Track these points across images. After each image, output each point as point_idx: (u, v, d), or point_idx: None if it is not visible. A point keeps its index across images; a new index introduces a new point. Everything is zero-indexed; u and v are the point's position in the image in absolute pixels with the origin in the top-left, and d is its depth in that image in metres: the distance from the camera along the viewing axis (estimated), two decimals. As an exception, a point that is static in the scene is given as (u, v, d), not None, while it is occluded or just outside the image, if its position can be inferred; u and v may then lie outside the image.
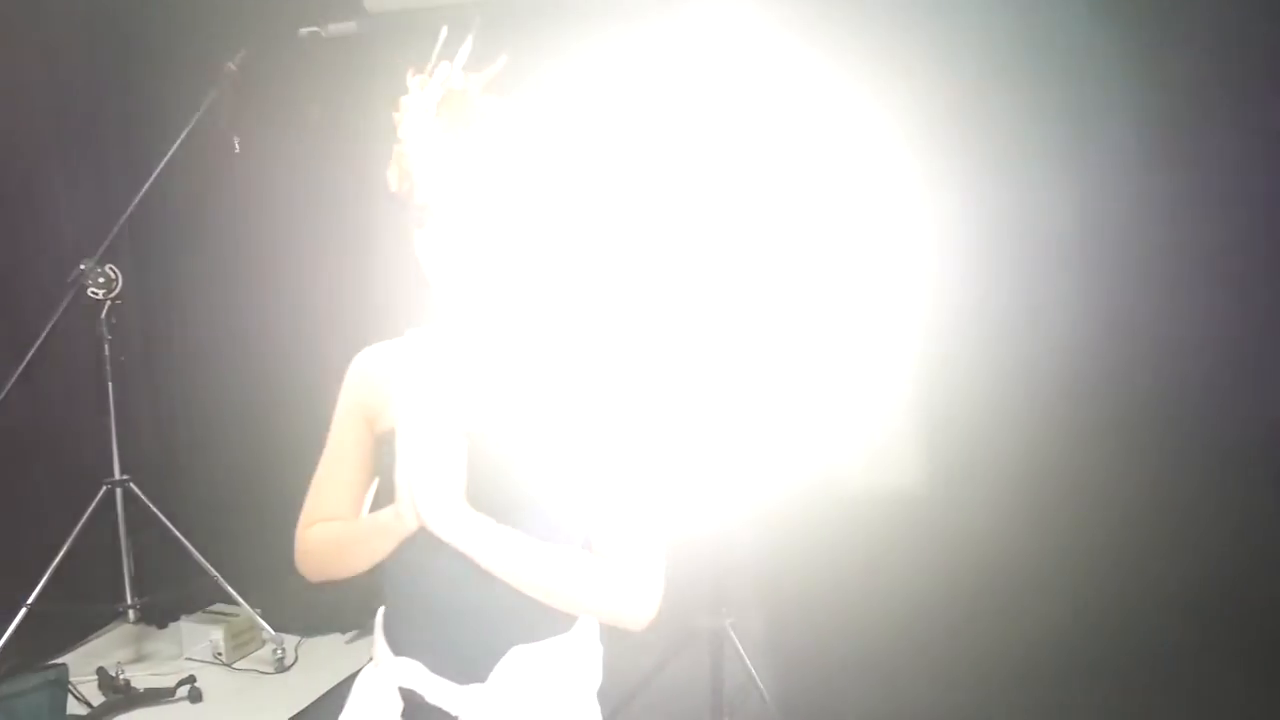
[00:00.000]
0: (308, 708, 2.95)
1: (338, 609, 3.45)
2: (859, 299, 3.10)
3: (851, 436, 3.16)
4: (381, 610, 1.33)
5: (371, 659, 1.33)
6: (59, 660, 3.07)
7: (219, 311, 3.49)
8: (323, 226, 3.42)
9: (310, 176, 3.42)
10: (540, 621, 1.22)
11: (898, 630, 2.91)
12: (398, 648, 1.26)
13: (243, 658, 3.30)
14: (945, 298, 3.01)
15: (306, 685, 3.08)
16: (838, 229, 3.07)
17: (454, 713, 1.20)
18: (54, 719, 2.79)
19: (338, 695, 3.02)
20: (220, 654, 3.27)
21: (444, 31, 1.25)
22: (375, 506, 1.33)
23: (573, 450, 1.22)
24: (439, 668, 1.22)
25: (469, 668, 1.21)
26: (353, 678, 3.07)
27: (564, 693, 1.24)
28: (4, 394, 2.92)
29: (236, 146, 3.20)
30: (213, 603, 3.40)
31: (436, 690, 1.20)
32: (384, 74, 3.20)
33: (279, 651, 3.21)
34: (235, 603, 3.24)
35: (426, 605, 1.23)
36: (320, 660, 3.29)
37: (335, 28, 3.25)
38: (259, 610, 3.23)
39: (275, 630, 3.23)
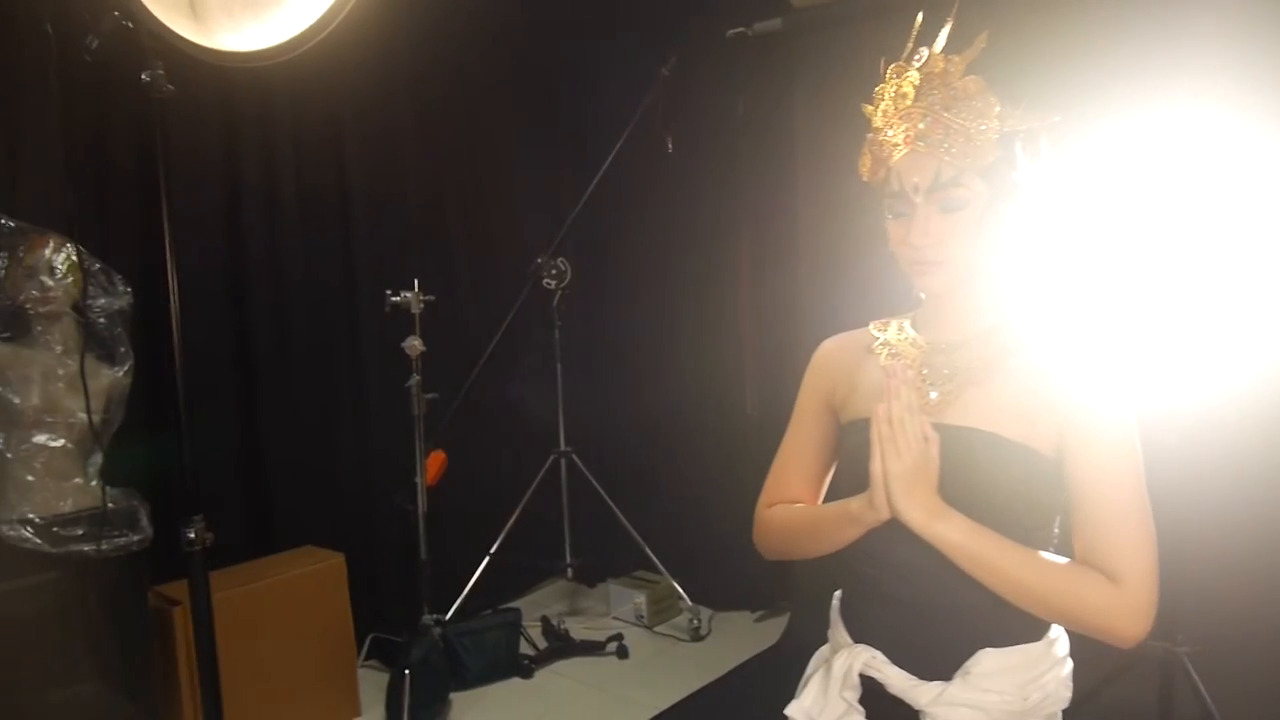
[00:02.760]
0: (721, 678, 3.09)
1: (749, 589, 3.59)
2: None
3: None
4: (838, 595, 1.35)
5: (828, 641, 1.35)
6: (512, 605, 3.51)
7: (652, 301, 3.76)
8: (749, 219, 3.55)
9: (738, 170, 3.55)
10: (1011, 625, 1.16)
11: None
12: (856, 634, 1.26)
13: (661, 623, 3.55)
14: None
15: (719, 656, 3.24)
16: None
17: (915, 706, 1.18)
18: (509, 653, 3.20)
19: (748, 670, 3.15)
20: (642, 617, 3.54)
21: (920, 16, 1.23)
22: (831, 496, 1.35)
23: (1054, 452, 1.15)
24: (900, 659, 1.21)
25: (932, 663, 1.18)
26: (762, 655, 3.23)
27: (1031, 703, 1.17)
28: (475, 373, 3.39)
29: (670, 146, 3.42)
30: (636, 569, 3.69)
31: (898, 681, 1.20)
32: (807, 66, 3.28)
33: (695, 621, 3.40)
34: (657, 571, 3.49)
35: (889, 596, 1.22)
36: (731, 634, 3.44)
37: (761, 26, 3.35)
38: (677, 581, 3.45)
39: (692, 601, 3.43)
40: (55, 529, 2.14)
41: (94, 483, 2.28)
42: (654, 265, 3.77)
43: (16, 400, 2.16)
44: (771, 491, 1.41)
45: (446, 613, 3.22)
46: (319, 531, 3.12)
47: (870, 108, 1.24)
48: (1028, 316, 1.22)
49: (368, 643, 3.22)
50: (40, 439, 2.19)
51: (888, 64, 1.22)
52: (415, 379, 2.90)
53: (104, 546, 2.18)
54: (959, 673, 1.16)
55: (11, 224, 2.27)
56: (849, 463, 1.28)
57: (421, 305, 2.89)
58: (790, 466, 1.39)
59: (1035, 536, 1.17)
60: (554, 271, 3.40)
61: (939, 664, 1.18)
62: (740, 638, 3.40)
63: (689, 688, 3.02)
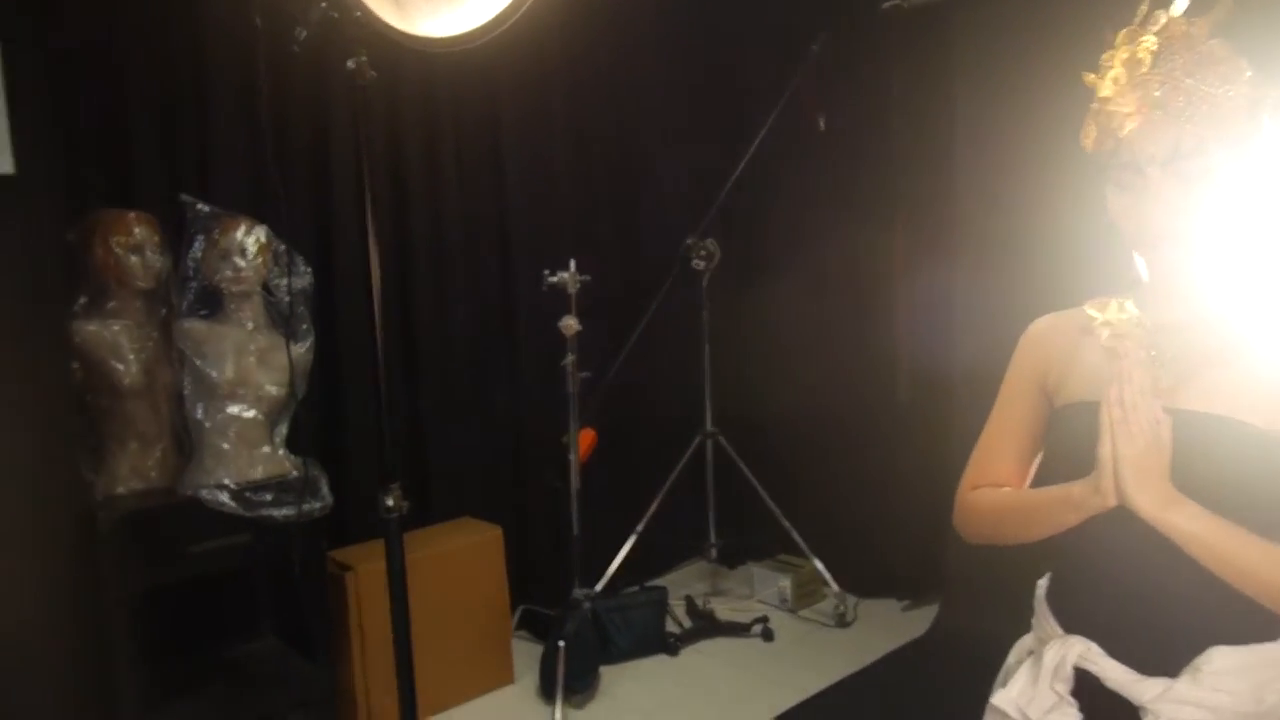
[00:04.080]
0: (869, 666, 3.05)
1: (896, 576, 3.54)
2: None
3: None
4: (1043, 582, 1.31)
5: (1032, 630, 1.31)
6: (657, 584, 3.54)
7: (800, 283, 3.72)
8: (904, 201, 3.47)
9: (892, 150, 3.47)
10: (1246, 622, 1.10)
11: None
12: (1068, 624, 1.22)
13: (805, 607, 3.52)
14: None
15: (865, 643, 3.20)
16: None
17: (1136, 701, 1.13)
18: (656, 630, 3.24)
19: (896, 659, 3.10)
20: (786, 600, 3.52)
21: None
22: (1040, 481, 1.30)
23: None
24: (1118, 652, 1.16)
25: (1156, 658, 1.13)
26: (911, 645, 3.17)
27: (1266, 706, 1.11)
28: (624, 352, 3.42)
29: (821, 125, 3.37)
30: (779, 552, 3.67)
31: (1116, 675, 1.15)
32: (969, 40, 3.16)
33: (841, 607, 3.37)
34: (801, 555, 3.47)
35: (1108, 586, 1.18)
36: (877, 622, 3.39)
37: (919, -2, 3.26)
38: (822, 566, 3.42)
39: (837, 587, 3.40)
40: (247, 494, 2.27)
41: (281, 451, 2.42)
42: (803, 247, 3.72)
43: (213, 373, 2.30)
44: (976, 474, 1.37)
45: (595, 588, 3.28)
46: (472, 503, 3.22)
47: (1094, 76, 1.18)
48: (1272, 295, 1.15)
49: (518, 614, 3.31)
50: (234, 410, 2.32)
51: (1114, 30, 1.17)
52: (570, 357, 2.96)
53: (290, 512, 2.30)
54: (1187, 669, 1.11)
55: (206, 208, 2.42)
56: (1062, 446, 1.24)
57: (578, 285, 2.94)
58: (998, 448, 1.35)
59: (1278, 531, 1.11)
60: (703, 253, 3.40)
61: (1162, 659, 1.13)
62: (887, 626, 3.35)
63: (835, 674, 2.99)
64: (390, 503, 1.66)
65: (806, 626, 3.41)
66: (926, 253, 3.41)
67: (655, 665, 3.15)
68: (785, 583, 3.53)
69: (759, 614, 3.39)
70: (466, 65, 3.14)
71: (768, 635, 3.29)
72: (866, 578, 3.53)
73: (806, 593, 3.54)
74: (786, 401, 3.77)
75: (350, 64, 1.61)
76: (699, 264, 3.41)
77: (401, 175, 3.14)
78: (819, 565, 3.42)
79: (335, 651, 2.63)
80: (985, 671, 1.41)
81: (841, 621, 3.37)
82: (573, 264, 2.95)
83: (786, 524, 3.44)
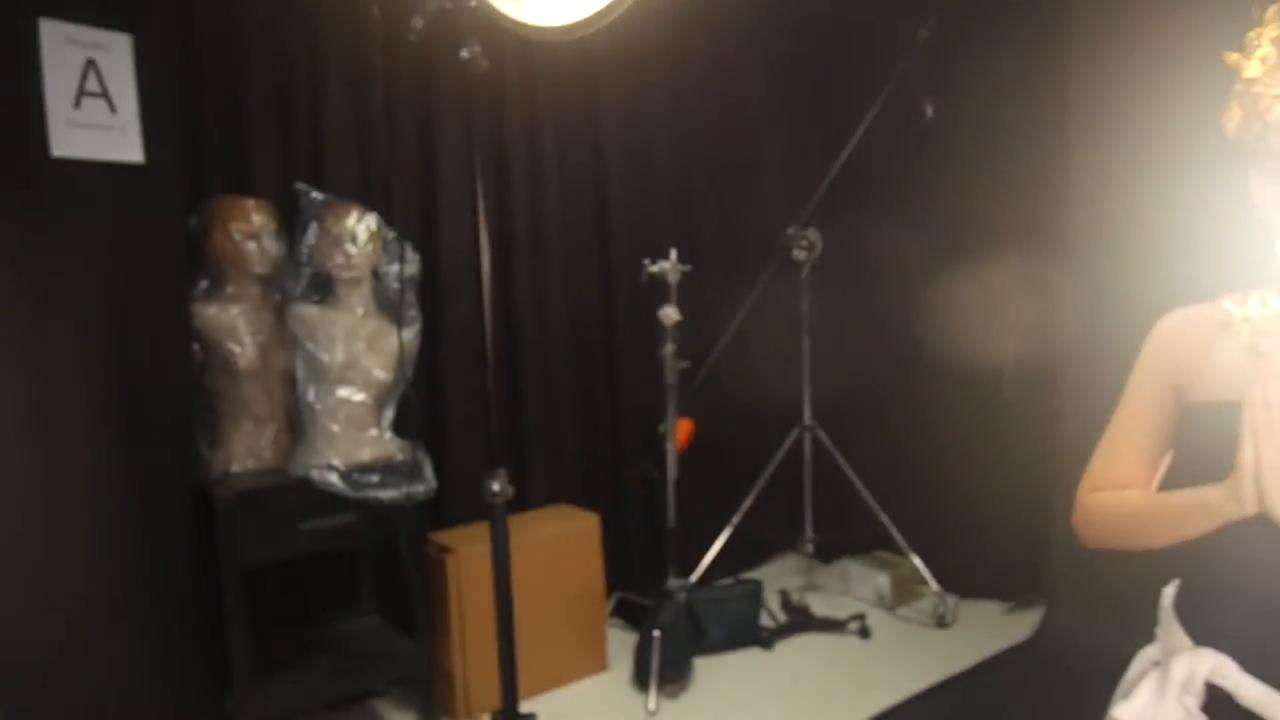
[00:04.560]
0: (969, 670, 2.97)
1: (999, 578, 3.44)
2: None
3: None
4: (1170, 591, 1.24)
5: (1156, 640, 1.25)
6: (751, 576, 3.51)
7: (903, 275, 3.64)
8: (1014, 192, 3.35)
9: (1002, 138, 3.35)
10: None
11: None
12: (1198, 636, 1.16)
13: (902, 605, 3.45)
14: None
15: (965, 646, 3.11)
16: None
17: (1271, 721, 1.07)
18: (750, 623, 3.21)
19: (998, 664, 3.01)
20: (884, 598, 3.46)
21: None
22: (1169, 485, 1.24)
23: None
24: (1255, 668, 1.09)
25: (1297, 677, 1.07)
26: (1014, 650, 3.08)
27: None
28: (722, 343, 3.40)
29: (929, 112, 3.28)
30: (876, 548, 3.61)
31: (1253, 693, 1.09)
32: (1087, 22, 3.03)
33: (941, 607, 3.29)
34: (899, 552, 3.40)
35: (1244, 598, 1.11)
36: (978, 624, 3.30)
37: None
38: (921, 564, 3.35)
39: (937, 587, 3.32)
40: (355, 475, 2.33)
41: (387, 435, 2.48)
42: (907, 238, 3.63)
43: (324, 357, 2.37)
44: (1098, 475, 1.31)
45: (689, 578, 3.27)
46: (569, 490, 3.25)
47: (1238, 55, 1.11)
48: None
49: (613, 602, 3.33)
50: (343, 393, 2.39)
51: (1263, 6, 1.10)
52: (669, 347, 2.95)
53: (395, 494, 2.36)
54: None
55: (320, 196, 2.49)
56: (1195, 449, 1.17)
57: (679, 274, 2.93)
58: (1123, 449, 1.29)
59: None
60: (804, 243, 3.35)
61: (1307, 678, 1.06)
62: (988, 629, 3.26)
63: (934, 676, 2.92)
64: (496, 488, 1.68)
65: (904, 626, 3.34)
66: (1037, 243, 3.29)
67: (748, 658, 3.13)
68: (883, 580, 3.46)
69: (855, 611, 3.34)
70: (566, 54, 3.16)
71: (864, 633, 3.23)
72: (966, 578, 3.44)
73: (904, 591, 3.46)
74: (886, 395, 3.70)
75: (464, 53, 1.62)
76: (800, 254, 3.36)
77: (503, 164, 3.18)
78: (918, 563, 3.34)
79: (434, 631, 2.69)
80: (1096, 681, 1.35)
81: (940, 622, 3.29)
82: (673, 253, 2.94)
83: (885, 520, 3.37)
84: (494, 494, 1.67)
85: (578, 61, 3.26)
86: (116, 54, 2.16)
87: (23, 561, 2.05)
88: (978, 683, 2.92)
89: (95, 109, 2.13)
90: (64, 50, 2.09)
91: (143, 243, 2.19)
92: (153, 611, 2.22)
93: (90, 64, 2.12)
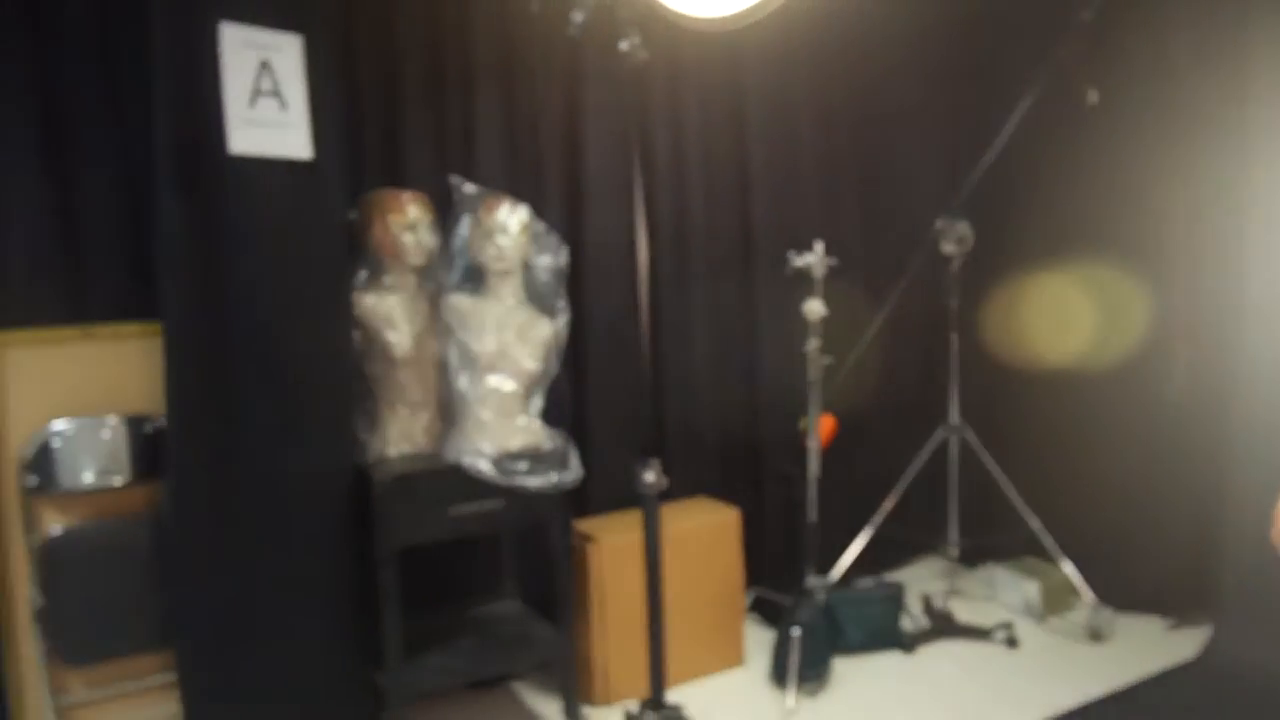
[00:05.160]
0: (1127, 689, 2.80)
1: (1161, 592, 3.25)
2: None
3: None
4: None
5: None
6: (892, 579, 3.42)
7: (1061, 271, 3.46)
8: (1186, 183, 3.13)
9: (1173, 125, 3.14)
10: None
11: None
12: None
13: (1053, 616, 3.30)
14: None
15: (1122, 663, 2.95)
16: None
17: None
18: (890, 626, 3.13)
19: (1160, 684, 2.83)
20: (1033, 607, 3.31)
21: None
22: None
23: None
24: None
25: None
26: (1178, 670, 2.90)
27: None
28: (867, 338, 3.32)
29: (1094, 99, 3.10)
30: (1025, 555, 3.46)
31: None
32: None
33: (1096, 620, 3.12)
34: (1050, 560, 3.25)
35: None
36: (1136, 640, 3.12)
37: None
38: (1075, 573, 3.19)
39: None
40: (504, 462, 2.38)
41: (535, 423, 2.52)
42: (1065, 233, 3.46)
43: (476, 347, 2.43)
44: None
45: (828, 577, 3.22)
46: (707, 483, 3.24)
47: None
48: None
49: (750, 597, 3.30)
50: (494, 381, 2.44)
51: None
52: (813, 343, 2.90)
53: (542, 482, 2.40)
54: None
55: (473, 189, 2.54)
56: None
57: (824, 268, 2.87)
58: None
59: None
60: (955, 237, 3.23)
61: None
62: (1147, 646, 3.08)
63: (1088, 692, 2.78)
64: (650, 478, 1.68)
65: (1054, 637, 3.19)
66: (1213, 238, 3.07)
67: (888, 662, 3.06)
68: (1032, 588, 3.31)
69: (1002, 619, 3.21)
70: (712, 44, 3.13)
71: (1011, 642, 3.11)
72: (1123, 590, 3.25)
73: (1055, 601, 3.31)
74: (1039, 395, 3.54)
75: (623, 45, 1.63)
76: (950, 248, 3.24)
77: (647, 153, 3.17)
78: (1071, 571, 3.19)
79: (574, 618, 2.72)
80: (1272, 705, 1.25)
81: (1095, 635, 3.12)
82: (820, 246, 2.88)
83: (1036, 525, 3.22)
84: (647, 485, 1.67)
85: (725, 50, 3.23)
86: (288, 54, 2.27)
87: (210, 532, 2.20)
88: (1140, 701, 2.75)
89: (268, 107, 2.24)
90: (242, 52, 2.20)
91: (309, 235, 2.29)
92: (321, 588, 2.33)
93: (264, 65, 2.23)
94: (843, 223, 3.60)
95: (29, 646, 2.37)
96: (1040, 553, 3.30)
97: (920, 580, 3.68)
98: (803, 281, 2.90)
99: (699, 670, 2.94)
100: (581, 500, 2.93)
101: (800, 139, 3.51)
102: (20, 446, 2.33)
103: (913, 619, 3.24)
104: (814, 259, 2.87)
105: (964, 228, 3.23)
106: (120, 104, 2.42)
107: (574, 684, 2.66)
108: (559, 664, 2.66)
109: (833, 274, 2.92)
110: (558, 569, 2.60)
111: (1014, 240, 3.64)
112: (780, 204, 3.44)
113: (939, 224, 3.24)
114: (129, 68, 2.39)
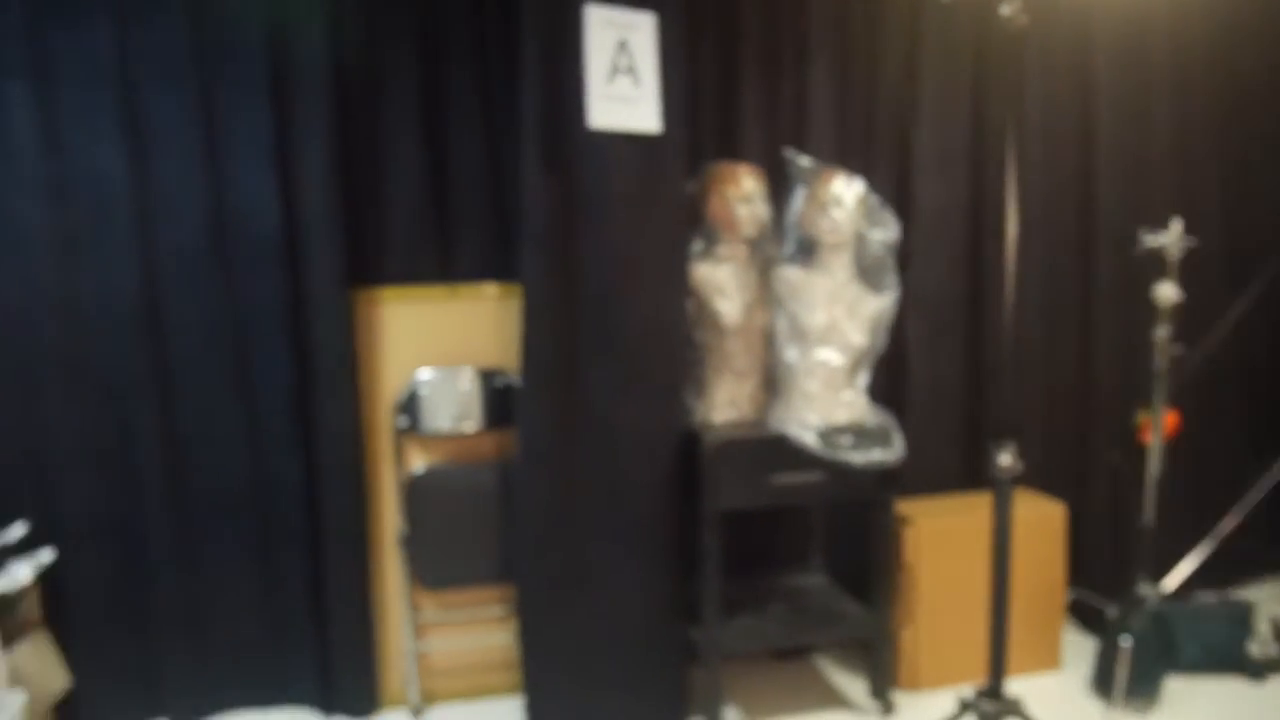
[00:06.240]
0: None
1: None
2: None
3: None
4: None
5: None
6: (1238, 597, 3.09)
7: None
8: None
9: None
10: None
11: None
12: None
13: None
14: None
15: None
16: None
17: None
18: (1234, 648, 2.83)
19: None
20: None
21: None
22: None
23: None
24: None
25: None
26: None
27: None
28: (1225, 327, 2.99)
29: None
30: None
31: None
32: None
33: None
34: None
35: None
36: None
37: None
38: None
39: None
40: (829, 436, 2.38)
41: (861, 399, 2.50)
42: None
43: (806, 319, 2.44)
44: None
45: (1162, 586, 2.95)
46: (1031, 475, 3.05)
47: None
48: None
49: (1069, 599, 3.10)
50: (822, 355, 2.45)
51: None
52: (1162, 330, 2.65)
53: (865, 458, 2.38)
54: None
55: (807, 162, 2.55)
56: None
57: (1181, 250, 2.62)
58: None
59: None
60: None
61: None
62: None
63: None
64: (1004, 462, 1.62)
65: None
66: None
67: (1231, 687, 2.77)
68: None
69: (1374, 654, 2.81)
70: (1058, 5, 2.92)
71: (1390, 683, 2.72)
72: None
73: None
74: None
75: (1004, 9, 1.56)
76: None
77: (981, 122, 3.02)
78: None
79: (889, 602, 2.68)
80: None
81: None
82: (1177, 225, 2.62)
83: None
84: (1002, 469, 1.61)
85: (1072, 12, 3.00)
86: (643, 31, 2.37)
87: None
88: None
89: (623, 84, 2.36)
90: (603, 31, 2.33)
91: (652, 206, 2.40)
92: (642, 538, 2.46)
93: (622, 44, 2.35)
94: (1200, 199, 3.24)
95: (394, 567, 2.69)
96: None
97: (1272, 601, 3.29)
98: (1153, 263, 2.66)
99: (1013, 667, 2.79)
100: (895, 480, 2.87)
101: (1153, 110, 3.18)
102: (394, 390, 2.64)
103: (1261, 643, 2.90)
104: (1169, 239, 2.62)
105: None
106: (489, 86, 2.65)
107: (889, 666, 2.63)
108: (874, 644, 2.63)
109: (1188, 256, 2.65)
110: (875, 548, 2.58)
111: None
112: (1129, 178, 3.15)
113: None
114: (496, 51, 2.61)
